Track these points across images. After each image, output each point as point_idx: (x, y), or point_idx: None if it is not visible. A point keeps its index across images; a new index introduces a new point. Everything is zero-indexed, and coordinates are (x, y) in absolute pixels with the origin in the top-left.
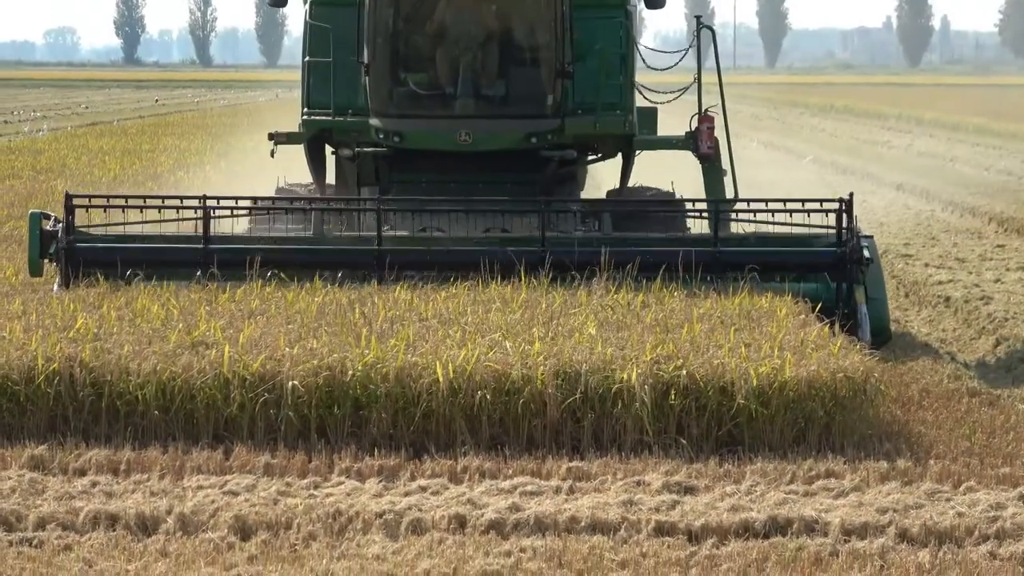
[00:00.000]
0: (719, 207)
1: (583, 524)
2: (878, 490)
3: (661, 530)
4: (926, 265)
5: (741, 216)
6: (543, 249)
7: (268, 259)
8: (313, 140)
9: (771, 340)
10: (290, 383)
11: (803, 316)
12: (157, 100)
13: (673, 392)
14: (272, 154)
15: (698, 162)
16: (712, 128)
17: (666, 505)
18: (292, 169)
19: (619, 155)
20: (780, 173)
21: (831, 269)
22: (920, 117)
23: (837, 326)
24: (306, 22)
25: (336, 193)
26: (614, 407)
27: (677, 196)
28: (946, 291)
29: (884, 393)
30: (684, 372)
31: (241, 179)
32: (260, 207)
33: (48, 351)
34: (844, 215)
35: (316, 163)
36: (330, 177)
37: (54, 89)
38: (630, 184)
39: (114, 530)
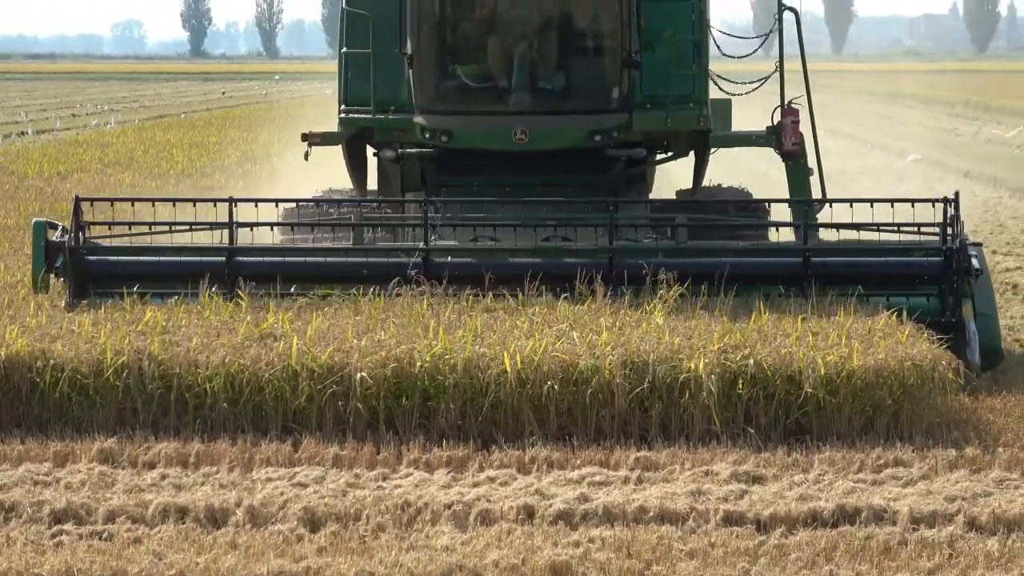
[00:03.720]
0: (807, 212)
1: (651, 514)
2: (946, 478)
3: (729, 520)
4: (994, 252)
5: (835, 221)
6: (610, 261)
7: (300, 273)
8: (352, 140)
9: (838, 328)
10: (358, 375)
11: (869, 305)
12: (224, 92)
13: (740, 381)
14: (306, 157)
15: (781, 160)
16: (797, 122)
17: (734, 495)
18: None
19: (691, 153)
20: (848, 162)
21: (935, 282)
22: (988, 104)
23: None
24: (343, 9)
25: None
26: (681, 397)
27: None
28: (1014, 278)
29: (952, 381)
30: (751, 361)
31: (308, 174)
32: (290, 222)
33: (117, 344)
34: (949, 221)
35: (356, 166)
36: (372, 182)
37: (121, 82)
38: (704, 184)
39: (183, 523)
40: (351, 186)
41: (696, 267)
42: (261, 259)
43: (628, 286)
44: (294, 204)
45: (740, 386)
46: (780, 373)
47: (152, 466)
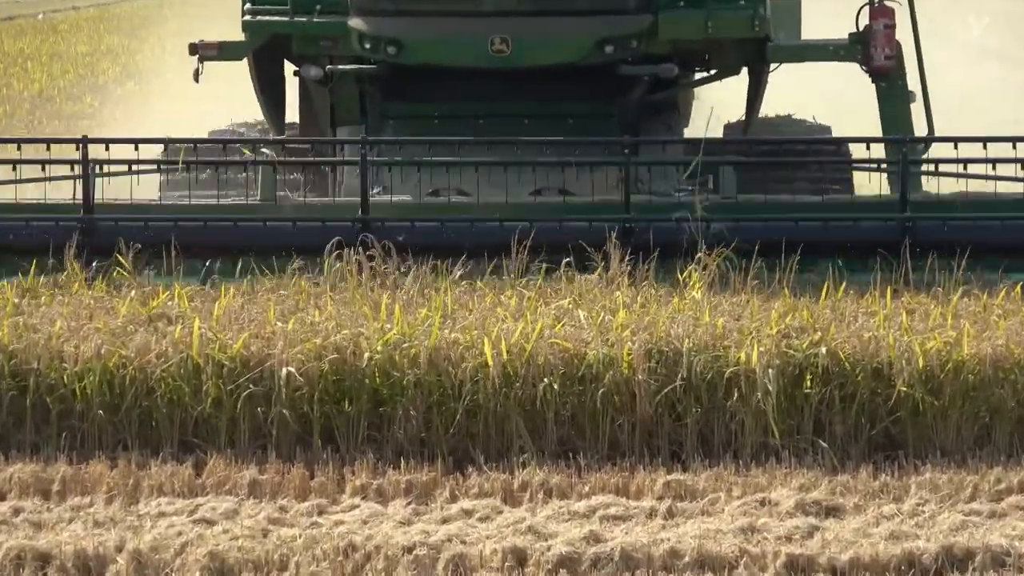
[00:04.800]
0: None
1: (687, 559)
2: None
3: (794, 566)
4: None
5: (943, 166)
6: (627, 223)
7: (188, 240)
8: (261, 53)
9: (942, 304)
10: (284, 370)
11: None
12: None
13: (809, 377)
14: (196, 76)
15: (870, 80)
16: (892, 26)
17: (801, 532)
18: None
19: (744, 70)
20: (955, 76)
21: None
22: None
23: None
24: None
25: (301, 135)
26: (728, 398)
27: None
28: None
29: None
30: (823, 350)
31: (213, 95)
32: (172, 160)
33: None
34: None
35: (268, 89)
36: (291, 112)
37: None
38: (762, 115)
39: (45, 573)
40: (261, 117)
41: (748, 231)
42: (127, 223)
43: (652, 257)
44: (176, 145)
45: (808, 383)
46: (863, 366)
47: (2, 497)
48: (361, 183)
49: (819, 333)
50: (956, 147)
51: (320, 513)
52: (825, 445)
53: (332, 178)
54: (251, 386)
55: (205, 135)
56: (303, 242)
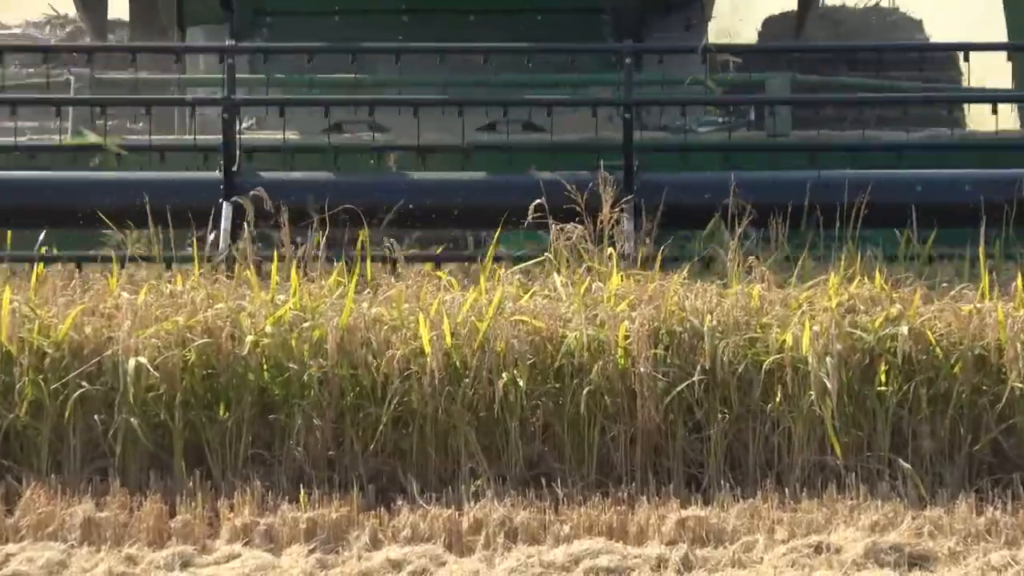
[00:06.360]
0: None
1: None
2: None
3: None
4: None
5: None
6: (628, 171)
7: None
8: None
9: None
10: (132, 361)
11: None
12: None
13: (884, 370)
14: None
15: None
16: None
17: None
18: None
19: None
20: None
21: None
22: None
23: None
24: None
25: (132, 39)
26: (768, 401)
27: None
28: None
29: None
30: (904, 329)
31: None
32: None
33: None
34: None
35: None
36: (120, 7)
37: None
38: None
39: None
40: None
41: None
42: None
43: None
44: None
45: (883, 378)
46: (960, 352)
47: None
48: (225, 118)
49: (898, 306)
50: None
51: (185, 566)
52: (907, 466)
53: (189, 113)
54: (85, 384)
55: None
56: (128, 207)
